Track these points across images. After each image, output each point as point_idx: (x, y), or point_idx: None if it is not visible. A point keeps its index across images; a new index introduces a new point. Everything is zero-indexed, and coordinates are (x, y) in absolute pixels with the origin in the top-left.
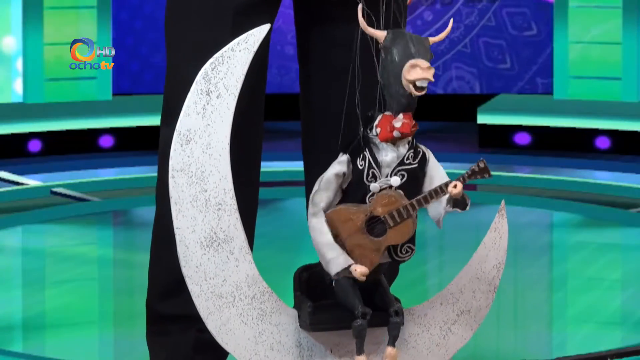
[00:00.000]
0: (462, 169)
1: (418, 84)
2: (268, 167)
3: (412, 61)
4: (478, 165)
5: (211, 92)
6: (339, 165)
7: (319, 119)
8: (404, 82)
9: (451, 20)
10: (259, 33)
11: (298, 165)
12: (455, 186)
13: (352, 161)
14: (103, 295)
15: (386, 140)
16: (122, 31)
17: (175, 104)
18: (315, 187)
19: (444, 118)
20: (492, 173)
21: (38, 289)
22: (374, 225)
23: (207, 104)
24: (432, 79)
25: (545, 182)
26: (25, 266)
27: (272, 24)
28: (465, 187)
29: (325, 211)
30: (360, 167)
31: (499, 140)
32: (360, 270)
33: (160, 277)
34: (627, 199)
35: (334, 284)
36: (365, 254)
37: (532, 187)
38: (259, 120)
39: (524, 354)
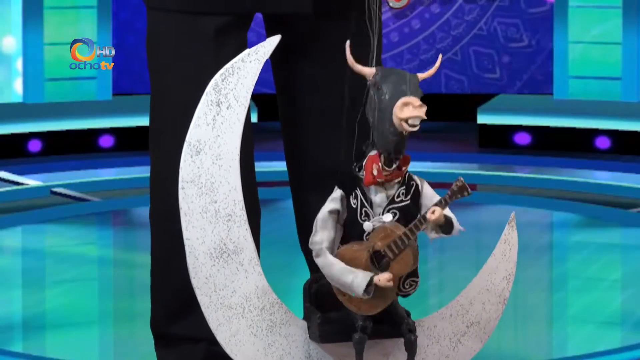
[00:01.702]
0: (462, 169)
1: (410, 121)
2: (268, 167)
3: (404, 99)
4: (456, 184)
5: (221, 102)
6: (332, 202)
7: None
8: (395, 120)
9: (440, 56)
10: (269, 44)
11: None
12: (433, 212)
13: (347, 198)
14: (103, 295)
15: (371, 185)
16: (122, 31)
17: (163, 126)
18: (313, 229)
19: (444, 118)
20: (492, 173)
21: (38, 289)
22: (379, 260)
23: (217, 114)
24: (425, 117)
25: (545, 182)
26: (25, 266)
27: (246, 41)
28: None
29: (328, 249)
30: (354, 206)
31: (499, 140)
32: (384, 277)
33: (166, 298)
34: (627, 199)
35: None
36: (377, 289)
37: (532, 187)
38: (250, 131)
39: (524, 354)
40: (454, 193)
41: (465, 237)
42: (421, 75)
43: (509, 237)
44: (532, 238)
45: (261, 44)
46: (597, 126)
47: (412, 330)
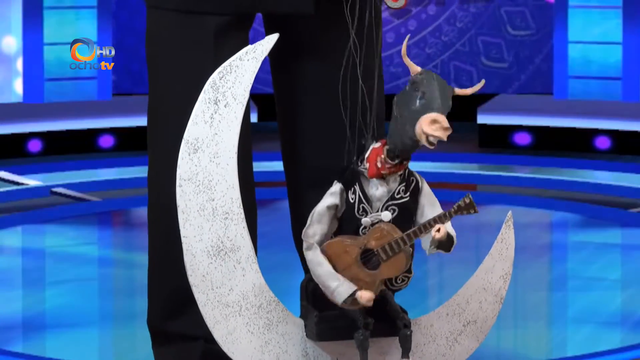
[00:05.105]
0: (462, 169)
1: (430, 139)
2: (268, 167)
3: (434, 115)
4: (464, 201)
5: (219, 100)
6: (331, 197)
7: (308, 131)
8: (417, 129)
9: (482, 82)
10: (267, 43)
11: None
12: (438, 230)
13: (345, 192)
14: (103, 295)
15: (375, 177)
16: (122, 31)
17: (162, 125)
18: (308, 221)
19: None
20: (492, 173)
21: (38, 289)
22: (369, 258)
23: (215, 112)
24: (445, 139)
25: (545, 182)
26: (25, 266)
27: (248, 41)
28: (465, 187)
29: (320, 243)
30: (352, 201)
31: (499, 140)
32: (366, 296)
33: (163, 297)
34: (627, 199)
35: None
36: (361, 286)
37: (532, 187)
38: (249, 129)
39: (523, 354)
40: (460, 209)
41: (465, 237)
42: (458, 91)
43: (506, 236)
44: (532, 238)
45: (259, 42)
46: (597, 126)
47: (407, 326)
